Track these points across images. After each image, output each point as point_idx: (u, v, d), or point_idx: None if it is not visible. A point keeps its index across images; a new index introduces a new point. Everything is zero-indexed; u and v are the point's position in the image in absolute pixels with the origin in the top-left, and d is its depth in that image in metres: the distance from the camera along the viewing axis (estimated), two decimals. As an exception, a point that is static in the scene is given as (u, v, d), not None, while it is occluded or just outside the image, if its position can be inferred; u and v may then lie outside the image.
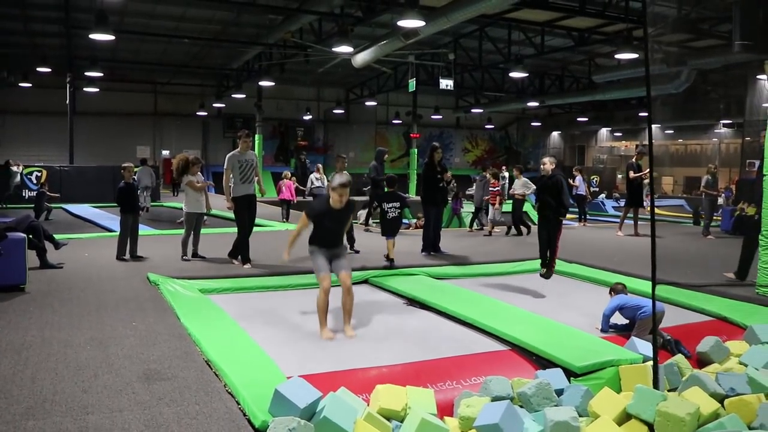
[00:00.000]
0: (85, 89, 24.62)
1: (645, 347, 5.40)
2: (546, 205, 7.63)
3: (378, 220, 10.32)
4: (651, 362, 5.05)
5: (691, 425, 4.23)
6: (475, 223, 14.99)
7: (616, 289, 6.52)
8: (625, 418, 4.51)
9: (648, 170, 13.66)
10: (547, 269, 7.82)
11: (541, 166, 7.81)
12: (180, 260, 8.95)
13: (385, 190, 9.78)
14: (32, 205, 15.81)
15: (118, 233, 9.39)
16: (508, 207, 14.11)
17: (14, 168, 18.36)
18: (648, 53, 4.51)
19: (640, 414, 4.43)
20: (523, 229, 13.21)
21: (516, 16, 15.93)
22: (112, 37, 13.86)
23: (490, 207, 13.40)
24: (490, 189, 13.39)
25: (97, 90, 25.17)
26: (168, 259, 9.04)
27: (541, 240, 7.79)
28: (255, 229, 9.38)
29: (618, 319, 6.24)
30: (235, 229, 8.96)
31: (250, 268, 8.52)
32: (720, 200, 16.06)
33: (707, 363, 5.66)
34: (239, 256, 8.79)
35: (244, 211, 8.63)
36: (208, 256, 9.23)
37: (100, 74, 21.26)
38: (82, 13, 16.98)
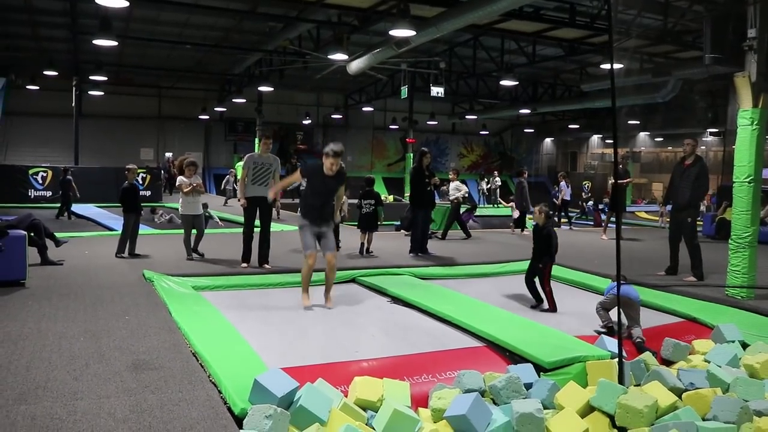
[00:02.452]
0: (90, 92, 24.91)
1: (613, 345, 5.66)
2: (537, 256, 7.44)
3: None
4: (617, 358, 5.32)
5: (648, 417, 4.49)
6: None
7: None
8: (588, 410, 4.76)
9: (627, 179, 14.20)
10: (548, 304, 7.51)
11: (534, 215, 7.64)
12: (183, 259, 9.13)
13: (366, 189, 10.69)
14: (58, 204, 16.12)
15: (120, 232, 9.65)
16: (492, 211, 14.33)
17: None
18: (612, 61, 4.75)
19: (602, 406, 4.69)
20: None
21: (506, 26, 16.20)
22: (115, 43, 14.12)
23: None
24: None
25: (103, 93, 25.53)
26: (165, 258, 9.29)
27: (530, 283, 7.53)
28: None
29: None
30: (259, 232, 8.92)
31: (246, 268, 8.67)
32: (702, 207, 16.33)
33: (671, 363, 5.93)
34: (267, 259, 8.87)
35: (252, 212, 8.71)
36: (213, 255, 9.38)
37: (105, 78, 21.56)
38: (89, 18, 17.26)
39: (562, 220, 17.24)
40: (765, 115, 7.57)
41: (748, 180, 7.67)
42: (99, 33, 13.24)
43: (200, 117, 30.29)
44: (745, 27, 7.47)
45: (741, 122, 7.72)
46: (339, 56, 15.49)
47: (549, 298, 7.39)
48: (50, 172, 20.37)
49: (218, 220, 14.09)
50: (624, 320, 6.11)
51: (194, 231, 9.48)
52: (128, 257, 9.28)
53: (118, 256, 9.26)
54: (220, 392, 4.28)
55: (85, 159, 24.23)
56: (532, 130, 38.52)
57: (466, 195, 13.67)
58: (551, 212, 7.88)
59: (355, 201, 10.70)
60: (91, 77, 21.41)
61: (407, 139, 29.53)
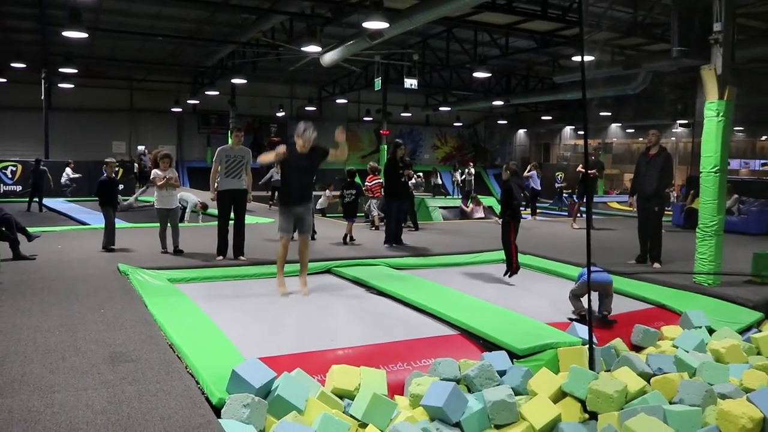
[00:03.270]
0: (60, 85, 24.53)
1: (584, 331, 5.79)
2: (501, 211, 8.13)
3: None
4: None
5: (618, 401, 4.63)
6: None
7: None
8: (560, 395, 4.89)
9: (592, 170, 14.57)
10: (509, 270, 8.19)
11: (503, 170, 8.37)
12: (158, 253, 9.04)
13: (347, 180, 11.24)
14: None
15: (101, 226, 9.61)
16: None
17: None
18: (583, 54, 4.85)
19: (573, 391, 4.82)
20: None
21: (478, 18, 16.29)
22: (85, 35, 13.93)
23: (372, 201, 13.18)
24: (366, 183, 12.91)
25: (73, 86, 25.11)
26: (141, 251, 9.24)
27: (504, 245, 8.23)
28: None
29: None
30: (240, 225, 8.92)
31: (222, 260, 8.66)
32: (672, 197, 16.66)
33: (642, 348, 6.08)
34: (242, 252, 8.86)
35: (225, 205, 8.69)
36: (188, 249, 9.28)
37: (75, 70, 21.24)
38: (57, 9, 16.96)
39: (538, 210, 17.47)
40: (730, 106, 7.75)
41: (714, 170, 7.84)
42: (68, 24, 13.05)
43: (173, 110, 30.03)
44: (710, 21, 7.63)
45: (707, 114, 7.88)
46: (312, 48, 15.45)
47: (510, 259, 7.96)
48: (20, 167, 20.10)
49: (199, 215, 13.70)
50: (594, 307, 6.27)
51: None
52: (104, 251, 9.19)
53: (109, 249, 9.19)
54: (197, 383, 4.31)
55: (56, 153, 23.89)
56: (506, 122, 38.80)
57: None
58: (518, 169, 8.49)
59: (338, 192, 11.01)
60: (60, 69, 21.04)
61: (381, 131, 29.55)
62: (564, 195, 21.87)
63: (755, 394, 4.36)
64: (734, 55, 7.94)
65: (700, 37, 7.63)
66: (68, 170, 18.84)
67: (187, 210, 12.91)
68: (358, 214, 11.28)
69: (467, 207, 19.01)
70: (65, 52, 20.62)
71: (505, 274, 8.20)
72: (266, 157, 7.29)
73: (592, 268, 6.19)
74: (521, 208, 8.41)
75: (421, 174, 15.27)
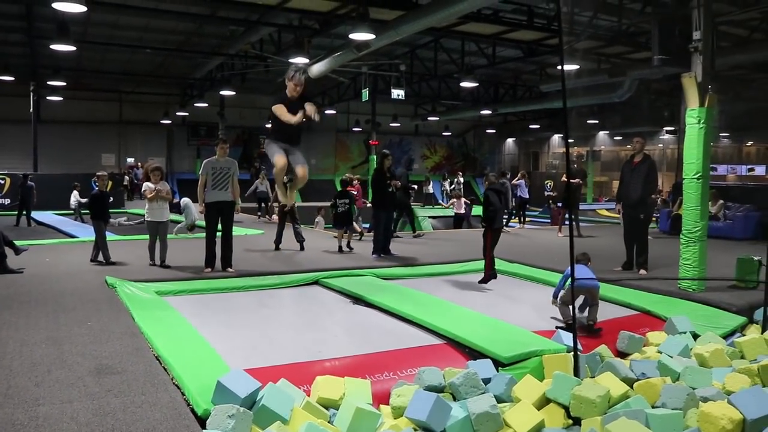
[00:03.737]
0: (49, 98, 24.49)
1: (569, 339, 5.84)
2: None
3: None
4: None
5: (601, 406, 4.67)
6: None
7: (577, 259, 6.94)
8: (544, 402, 4.93)
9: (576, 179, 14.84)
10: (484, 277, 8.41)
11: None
12: (147, 265, 8.99)
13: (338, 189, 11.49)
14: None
15: (90, 239, 9.57)
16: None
17: None
18: (563, 62, 4.93)
19: (557, 398, 4.87)
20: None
21: (465, 29, 16.37)
22: (73, 48, 13.95)
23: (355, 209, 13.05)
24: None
25: (62, 98, 25.06)
26: (129, 264, 9.21)
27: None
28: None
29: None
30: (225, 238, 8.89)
31: (210, 273, 8.64)
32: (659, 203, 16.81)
33: (627, 355, 6.14)
34: (230, 263, 8.84)
35: (212, 217, 8.70)
36: (176, 261, 9.23)
37: (64, 83, 21.20)
38: (46, 22, 16.94)
39: (526, 219, 17.56)
40: (711, 113, 7.85)
41: (696, 177, 7.92)
42: (57, 38, 13.07)
43: (162, 122, 30.02)
44: (690, 29, 7.74)
45: (689, 121, 7.98)
46: (300, 60, 15.52)
47: (486, 262, 8.17)
48: (8, 180, 20.04)
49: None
50: (579, 313, 6.33)
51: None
52: (95, 264, 9.17)
53: (99, 262, 9.18)
54: (183, 394, 4.33)
55: (44, 165, 23.84)
56: (494, 131, 38.99)
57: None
58: (495, 179, 8.85)
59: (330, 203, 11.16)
60: (49, 82, 21.04)
61: (370, 141, 29.66)
62: (546, 204, 22.00)
63: (736, 396, 4.42)
64: (714, 63, 8.06)
65: (680, 45, 7.72)
66: (75, 193, 18.50)
67: (184, 223, 12.79)
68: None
69: (447, 205, 19.22)
70: (54, 65, 20.62)
71: (480, 281, 8.38)
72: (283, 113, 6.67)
73: (581, 273, 6.33)
74: (509, 216, 8.60)
75: (415, 186, 15.36)
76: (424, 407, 4.39)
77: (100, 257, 9.32)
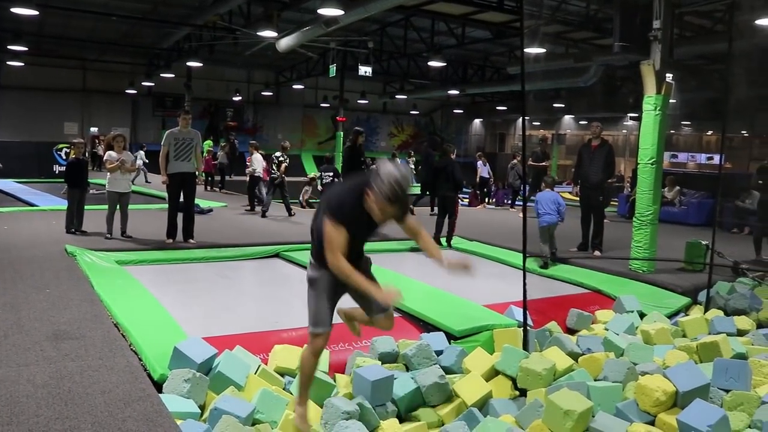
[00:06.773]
0: (9, 63, 23.89)
1: (520, 314, 6.04)
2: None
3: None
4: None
5: (546, 378, 4.89)
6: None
7: (546, 182, 9.01)
8: (493, 373, 5.14)
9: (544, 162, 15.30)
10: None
11: None
12: (103, 238, 8.82)
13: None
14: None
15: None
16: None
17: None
18: (523, 45, 5.06)
19: (505, 370, 5.08)
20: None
21: (434, 8, 16.40)
22: (35, 12, 13.65)
23: (262, 184, 12.96)
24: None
25: (23, 64, 24.45)
26: (90, 233, 9.12)
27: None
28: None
29: None
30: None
31: (171, 244, 8.64)
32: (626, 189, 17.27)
33: (576, 332, 6.37)
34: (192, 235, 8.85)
35: (175, 188, 8.66)
36: (138, 232, 9.19)
37: (25, 48, 20.68)
38: (6, -15, 16.58)
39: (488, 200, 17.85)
40: (667, 101, 8.08)
41: (651, 162, 8.16)
42: (18, 1, 12.79)
43: (127, 91, 29.48)
44: (651, 17, 7.92)
45: (646, 108, 8.20)
46: (269, 33, 15.42)
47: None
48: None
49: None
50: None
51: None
52: (77, 233, 9.06)
53: (69, 232, 9.07)
54: (140, 359, 4.42)
55: (4, 133, 23.34)
56: (462, 111, 39.15)
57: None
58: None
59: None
60: (9, 47, 20.52)
61: (338, 118, 29.58)
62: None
63: (670, 370, 4.65)
64: (673, 52, 8.27)
65: (641, 33, 7.90)
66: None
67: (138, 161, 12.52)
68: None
69: None
70: (15, 29, 20.10)
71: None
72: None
73: (543, 212, 8.32)
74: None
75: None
76: (365, 390, 4.50)
77: (83, 227, 9.18)
